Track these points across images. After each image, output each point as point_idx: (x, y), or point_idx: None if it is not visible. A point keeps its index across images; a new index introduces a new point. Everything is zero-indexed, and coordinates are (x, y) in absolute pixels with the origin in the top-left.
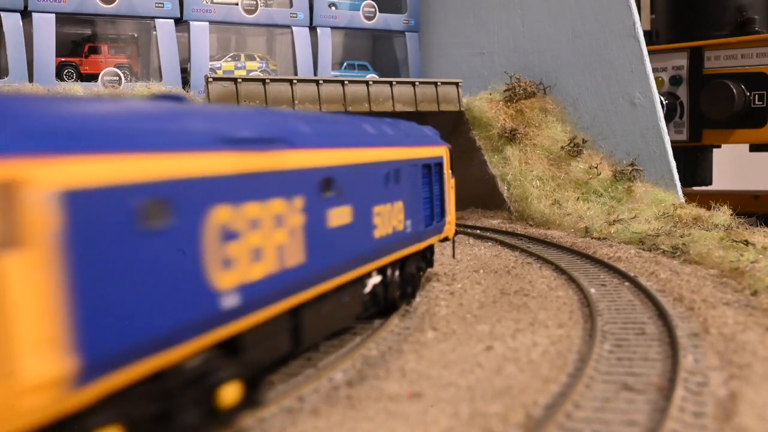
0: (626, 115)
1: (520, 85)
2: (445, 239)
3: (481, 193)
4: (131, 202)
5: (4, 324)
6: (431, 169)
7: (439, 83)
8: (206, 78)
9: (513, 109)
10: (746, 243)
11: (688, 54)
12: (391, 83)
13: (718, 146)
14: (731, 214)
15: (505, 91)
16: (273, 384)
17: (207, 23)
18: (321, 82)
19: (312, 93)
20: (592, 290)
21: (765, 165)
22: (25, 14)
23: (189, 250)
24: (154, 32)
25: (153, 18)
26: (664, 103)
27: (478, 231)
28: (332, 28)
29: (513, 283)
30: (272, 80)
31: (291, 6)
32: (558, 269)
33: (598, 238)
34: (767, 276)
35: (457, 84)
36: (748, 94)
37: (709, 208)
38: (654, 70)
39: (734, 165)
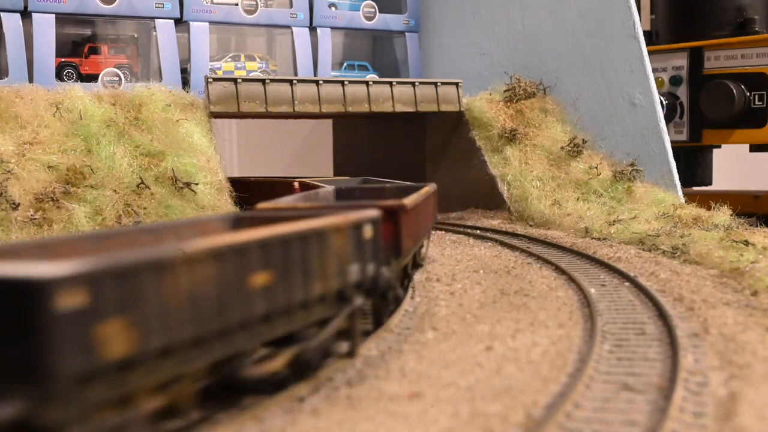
0: (626, 115)
1: (520, 85)
2: None
3: (481, 194)
4: None
5: None
6: None
7: (439, 83)
8: (206, 78)
9: (513, 109)
10: (746, 243)
11: (688, 54)
12: (391, 83)
13: (718, 146)
14: (731, 214)
15: (505, 91)
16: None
17: (207, 24)
18: (321, 82)
19: (312, 93)
20: (592, 290)
21: (765, 165)
22: (25, 14)
23: None
24: (154, 32)
25: (153, 18)
26: (664, 103)
27: (478, 231)
28: (332, 28)
29: (513, 283)
30: (272, 80)
31: (291, 6)
32: (558, 269)
33: (598, 239)
34: (767, 276)
35: (457, 84)
36: (748, 94)
37: (709, 209)
38: (654, 70)
39: (734, 165)
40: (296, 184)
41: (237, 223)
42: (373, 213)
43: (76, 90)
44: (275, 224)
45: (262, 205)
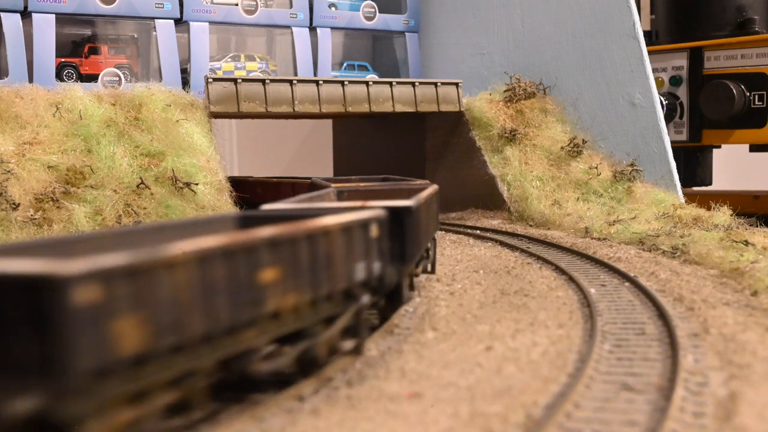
0: (626, 115)
1: (520, 85)
2: None
3: (481, 194)
4: None
5: None
6: None
7: (439, 84)
8: (206, 78)
9: (513, 109)
10: (746, 243)
11: (688, 54)
12: (391, 83)
13: (718, 146)
14: (731, 215)
15: (505, 91)
16: (271, 384)
17: (207, 24)
18: (321, 82)
19: (312, 93)
20: (592, 290)
21: (765, 165)
22: (25, 14)
23: None
24: (154, 33)
25: (153, 18)
26: (664, 103)
27: (478, 231)
28: (332, 28)
29: (513, 283)
30: (272, 81)
31: (291, 6)
32: (558, 269)
33: (598, 239)
34: (767, 276)
35: (457, 84)
36: (748, 94)
37: (709, 209)
38: (654, 70)
39: (734, 165)
40: None
41: (340, 195)
42: (436, 186)
43: (76, 90)
44: (373, 195)
45: (337, 184)
